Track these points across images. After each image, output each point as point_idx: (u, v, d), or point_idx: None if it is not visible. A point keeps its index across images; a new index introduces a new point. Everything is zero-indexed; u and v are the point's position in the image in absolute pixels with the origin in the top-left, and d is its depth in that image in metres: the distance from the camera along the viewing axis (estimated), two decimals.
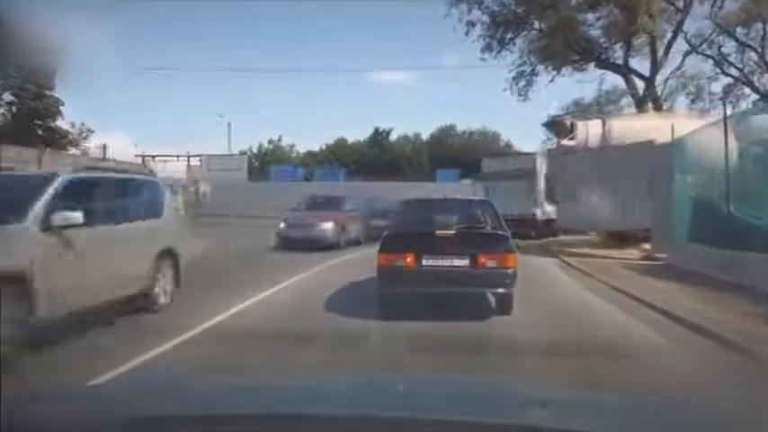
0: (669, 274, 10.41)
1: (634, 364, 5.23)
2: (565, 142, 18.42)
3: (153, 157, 44.29)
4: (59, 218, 5.50)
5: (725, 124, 9.64)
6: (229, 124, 51.83)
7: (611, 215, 15.65)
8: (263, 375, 3.58)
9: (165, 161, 45.12)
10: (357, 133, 74.93)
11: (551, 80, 23.87)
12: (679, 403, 2.25)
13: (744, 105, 21.98)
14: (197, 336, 6.04)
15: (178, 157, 45.82)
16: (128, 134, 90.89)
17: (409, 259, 7.09)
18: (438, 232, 7.29)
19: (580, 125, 17.93)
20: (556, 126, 18.81)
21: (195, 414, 1.61)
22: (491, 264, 7.04)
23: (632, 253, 15.15)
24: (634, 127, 17.52)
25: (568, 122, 18.31)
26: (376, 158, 55.14)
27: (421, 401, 1.86)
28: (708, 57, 22.43)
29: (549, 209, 19.92)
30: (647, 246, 14.97)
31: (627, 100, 24.27)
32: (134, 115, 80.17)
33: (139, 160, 38.07)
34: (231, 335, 6.16)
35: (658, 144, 14.00)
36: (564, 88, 63.34)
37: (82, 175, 6.56)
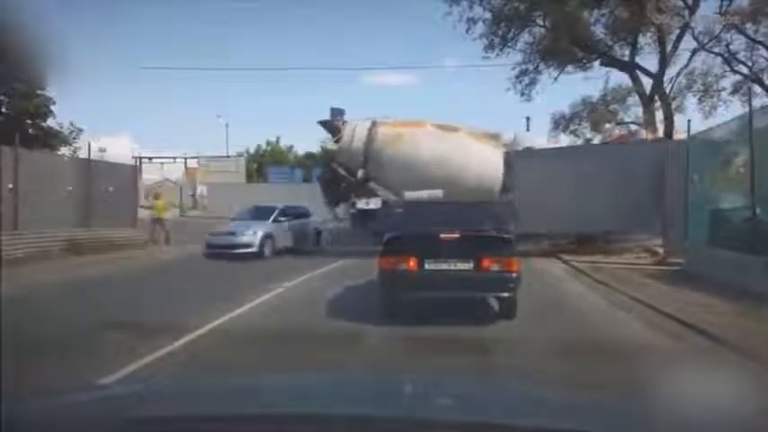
0: (715, 290, 8.61)
1: None
2: (329, 145, 18.08)
3: (150, 158, 43.62)
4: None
5: (750, 121, 9.02)
6: (227, 125, 50.87)
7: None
8: (263, 375, 3.60)
9: (162, 163, 44.58)
10: None
11: (555, 79, 23.30)
12: (679, 404, 2.09)
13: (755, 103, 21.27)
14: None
15: (175, 158, 45.13)
16: (128, 135, 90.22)
17: (412, 263, 6.88)
18: (441, 235, 6.98)
19: (347, 128, 17.37)
20: (330, 127, 18.18)
21: (196, 414, 1.60)
22: (495, 267, 6.81)
23: (641, 256, 14.60)
24: (402, 134, 17.01)
25: (339, 124, 17.74)
26: None
27: (421, 402, 1.84)
28: (716, 54, 21.81)
29: None
30: (657, 249, 14.43)
31: (634, 99, 23.59)
32: (133, 116, 79.57)
33: (135, 162, 37.31)
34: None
35: (665, 142, 13.40)
36: (568, 87, 62.97)
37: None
